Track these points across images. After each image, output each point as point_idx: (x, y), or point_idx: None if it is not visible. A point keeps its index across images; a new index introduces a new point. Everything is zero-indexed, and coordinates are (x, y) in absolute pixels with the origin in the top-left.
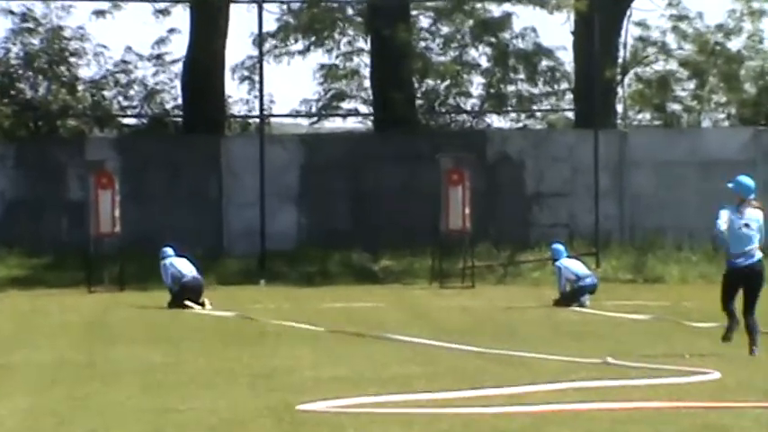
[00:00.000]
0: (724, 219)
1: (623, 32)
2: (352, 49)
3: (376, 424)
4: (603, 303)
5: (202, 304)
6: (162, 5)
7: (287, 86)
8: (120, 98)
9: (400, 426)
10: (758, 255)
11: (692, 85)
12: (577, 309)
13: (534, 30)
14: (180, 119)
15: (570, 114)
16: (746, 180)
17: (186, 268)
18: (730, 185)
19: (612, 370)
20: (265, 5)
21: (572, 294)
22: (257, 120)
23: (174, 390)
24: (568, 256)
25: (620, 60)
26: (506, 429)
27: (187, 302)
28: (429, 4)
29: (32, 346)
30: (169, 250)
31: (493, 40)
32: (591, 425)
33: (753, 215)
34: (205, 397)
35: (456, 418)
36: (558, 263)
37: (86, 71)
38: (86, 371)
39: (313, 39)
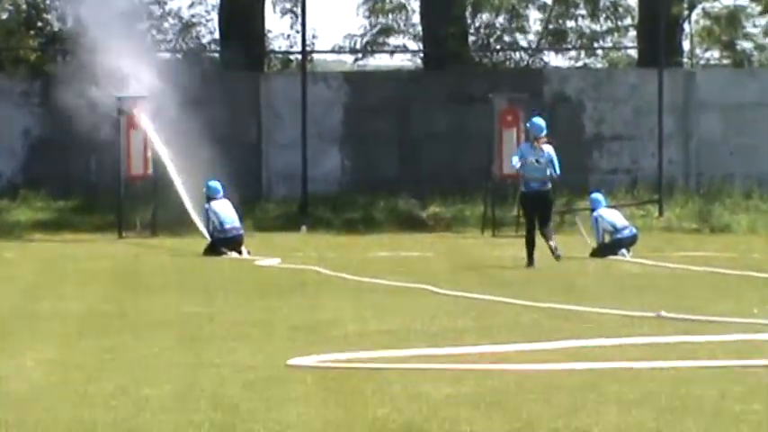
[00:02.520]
0: (517, 158)
1: None
2: None
3: (424, 379)
4: (667, 254)
5: (240, 252)
6: None
7: (331, 21)
8: (154, 31)
9: (450, 382)
10: (548, 184)
11: (763, 21)
12: (621, 258)
13: None
14: (217, 54)
15: (633, 52)
16: (538, 121)
17: (228, 217)
18: (527, 125)
19: (675, 325)
20: None
21: (610, 246)
22: (299, 56)
23: (209, 343)
24: (607, 206)
25: None
26: (562, 386)
27: (224, 250)
28: None
29: (59, 294)
30: (215, 185)
31: None
32: (651, 383)
33: (543, 150)
34: (242, 351)
35: (508, 374)
36: (595, 213)
37: (118, 2)
38: (116, 322)
39: None
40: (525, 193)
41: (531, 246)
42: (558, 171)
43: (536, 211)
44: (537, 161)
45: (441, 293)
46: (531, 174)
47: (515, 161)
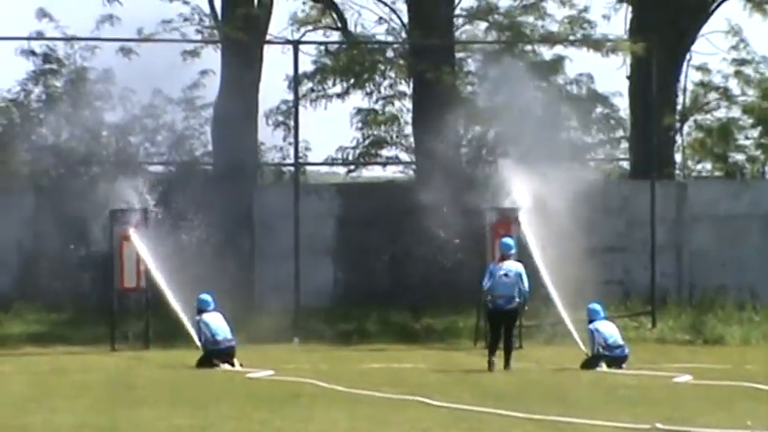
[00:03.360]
0: (487, 277)
1: (682, 77)
2: (393, 93)
3: None
4: (661, 366)
5: (233, 364)
6: (191, 46)
7: (323, 133)
8: (147, 144)
9: None
10: (515, 300)
11: (755, 133)
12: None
13: (590, 76)
14: (210, 166)
15: (625, 164)
16: (507, 240)
17: (220, 329)
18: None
19: None
20: (301, 46)
21: (596, 359)
22: (292, 168)
23: None
24: (605, 318)
25: (678, 107)
26: None
27: (216, 362)
28: (476, 46)
29: (51, 408)
30: (206, 298)
31: (544, 84)
32: None
33: (512, 267)
34: None
35: None
36: (591, 325)
37: (111, 115)
38: None
39: (352, 81)
40: (492, 310)
41: (492, 353)
42: (526, 287)
43: (501, 325)
44: (506, 275)
45: (433, 405)
46: (499, 291)
47: (485, 282)
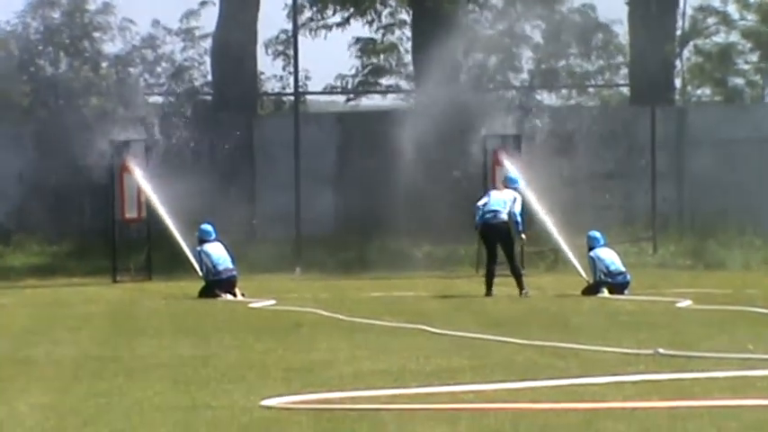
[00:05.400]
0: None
1: (681, 2)
2: (394, 22)
3: (419, 419)
4: (662, 291)
5: (234, 294)
6: None
7: (323, 62)
8: (147, 75)
9: (445, 422)
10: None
11: (755, 57)
12: (615, 297)
13: (593, 7)
14: (210, 97)
15: (625, 90)
16: (512, 176)
17: (221, 259)
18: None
19: (671, 362)
20: None
21: (597, 285)
22: (292, 97)
23: (204, 385)
24: (605, 245)
25: (678, 32)
26: (557, 425)
27: (218, 292)
28: None
29: (53, 339)
30: (207, 228)
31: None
32: (648, 421)
33: (508, 193)
34: (238, 393)
35: (504, 413)
36: (592, 253)
37: (111, 47)
38: (111, 366)
39: (352, 10)
40: (481, 225)
41: (489, 277)
42: (517, 210)
43: (495, 243)
44: (499, 194)
45: (435, 333)
46: (489, 207)
47: (480, 203)
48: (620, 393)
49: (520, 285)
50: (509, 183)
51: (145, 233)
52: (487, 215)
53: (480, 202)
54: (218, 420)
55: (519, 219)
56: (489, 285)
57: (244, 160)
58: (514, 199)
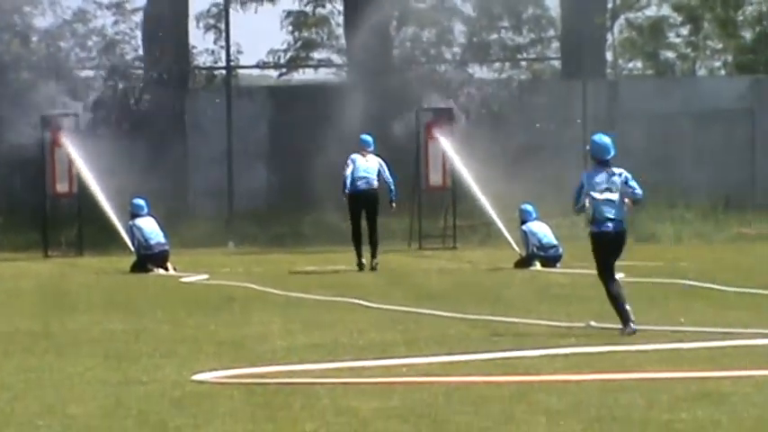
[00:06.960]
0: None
1: None
2: None
3: (352, 393)
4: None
5: (166, 269)
6: None
7: (255, 36)
8: (78, 49)
9: (378, 395)
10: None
11: (685, 31)
12: (545, 269)
13: None
14: (141, 71)
15: (557, 63)
16: (366, 137)
17: (153, 233)
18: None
19: (603, 335)
20: None
21: (529, 258)
22: (224, 71)
23: (135, 360)
24: (537, 218)
25: (609, 5)
26: (490, 398)
27: (150, 267)
28: None
29: None
30: (139, 202)
31: None
32: (580, 393)
33: (374, 160)
34: (169, 368)
35: (437, 386)
36: (524, 226)
37: (41, 21)
38: (42, 341)
39: None
40: (350, 194)
41: (358, 248)
42: (387, 175)
43: (360, 212)
44: (366, 161)
45: (368, 307)
46: (358, 174)
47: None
48: (552, 366)
49: (374, 254)
50: (365, 146)
51: (76, 208)
52: (358, 182)
53: (347, 171)
54: (150, 395)
55: (393, 186)
56: (359, 255)
57: (176, 135)
58: (381, 164)
